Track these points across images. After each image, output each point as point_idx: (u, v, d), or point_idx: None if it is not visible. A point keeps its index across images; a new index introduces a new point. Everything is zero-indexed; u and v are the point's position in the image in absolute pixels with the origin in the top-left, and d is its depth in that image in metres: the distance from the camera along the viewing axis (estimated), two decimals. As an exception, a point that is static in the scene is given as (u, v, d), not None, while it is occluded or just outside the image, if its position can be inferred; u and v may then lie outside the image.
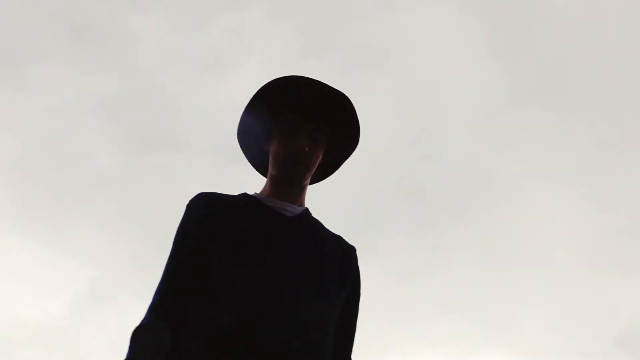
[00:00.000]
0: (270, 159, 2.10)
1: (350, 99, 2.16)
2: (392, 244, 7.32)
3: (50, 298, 6.58)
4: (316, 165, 2.10)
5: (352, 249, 2.14)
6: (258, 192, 2.15)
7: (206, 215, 1.95)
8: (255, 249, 1.81)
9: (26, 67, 7.17)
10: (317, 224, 2.13)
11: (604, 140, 7.43)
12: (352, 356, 2.04)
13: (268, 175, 2.14)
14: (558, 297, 7.02)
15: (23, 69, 7.16)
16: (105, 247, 6.42)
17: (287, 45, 7.56)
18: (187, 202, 2.05)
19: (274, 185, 2.08)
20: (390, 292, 7.00)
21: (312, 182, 2.29)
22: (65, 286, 6.60)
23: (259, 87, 2.13)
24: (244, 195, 2.11)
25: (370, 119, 7.49)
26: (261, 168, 2.29)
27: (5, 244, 6.79)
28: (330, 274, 1.93)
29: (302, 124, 2.07)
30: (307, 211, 2.12)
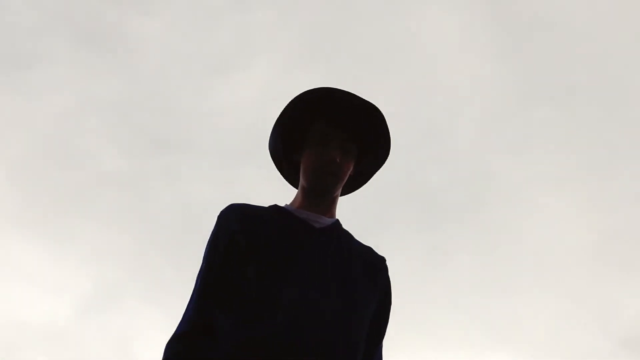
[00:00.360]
0: (301, 170, 2.10)
1: (381, 110, 2.16)
2: (396, 244, 7.31)
3: (55, 299, 6.57)
4: (347, 176, 2.11)
5: (382, 260, 2.15)
6: (289, 203, 2.14)
7: (238, 228, 1.96)
8: (287, 262, 1.82)
9: (32, 69, 7.19)
10: (347, 235, 2.13)
11: (609, 142, 7.43)
12: None
13: (299, 187, 2.14)
14: (562, 298, 7.03)
15: (29, 71, 7.18)
16: (110, 248, 6.43)
17: (293, 47, 7.58)
18: (218, 212, 2.05)
19: (305, 197, 2.09)
20: (394, 292, 7.00)
21: (342, 194, 2.28)
22: (70, 287, 6.58)
23: (291, 99, 2.13)
24: (275, 206, 2.11)
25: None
26: (292, 180, 2.29)
27: (10, 245, 6.79)
28: (360, 285, 1.93)
29: (334, 135, 2.07)
30: (337, 222, 2.12)
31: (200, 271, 1.95)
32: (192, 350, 1.82)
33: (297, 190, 2.20)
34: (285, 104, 2.15)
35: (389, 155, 2.25)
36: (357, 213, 7.28)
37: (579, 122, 7.48)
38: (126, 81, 7.25)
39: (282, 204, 2.13)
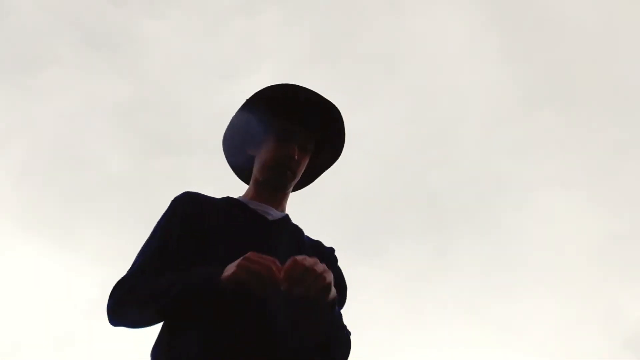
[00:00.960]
0: (257, 164, 2.15)
1: (340, 110, 2.20)
2: (401, 247, 7.32)
3: (61, 301, 6.59)
4: (300, 174, 2.15)
5: (331, 250, 2.17)
6: (241, 195, 2.17)
7: (192, 214, 1.98)
8: (237, 250, 1.77)
9: (38, 72, 7.24)
10: (298, 229, 2.16)
11: (615, 146, 7.42)
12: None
13: (252, 180, 2.18)
14: (567, 301, 7.02)
15: (35, 73, 7.23)
16: (117, 250, 6.44)
17: (299, 51, 7.60)
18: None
19: (258, 190, 2.13)
20: (400, 296, 7.01)
21: (293, 190, 2.28)
22: (76, 289, 6.61)
23: (252, 93, 2.16)
24: (228, 198, 2.14)
25: (382, 123, 7.51)
26: (240, 173, 2.33)
27: (16, 247, 6.85)
28: None
29: (294, 132, 2.11)
30: (287, 217, 2.15)
31: (148, 243, 1.95)
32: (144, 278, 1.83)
33: (245, 184, 2.26)
34: (245, 99, 2.18)
35: (342, 154, 2.29)
36: (363, 215, 7.29)
37: (584, 125, 7.48)
38: (133, 84, 7.30)
39: (235, 196, 2.16)
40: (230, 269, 1.67)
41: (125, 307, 1.82)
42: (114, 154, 7.26)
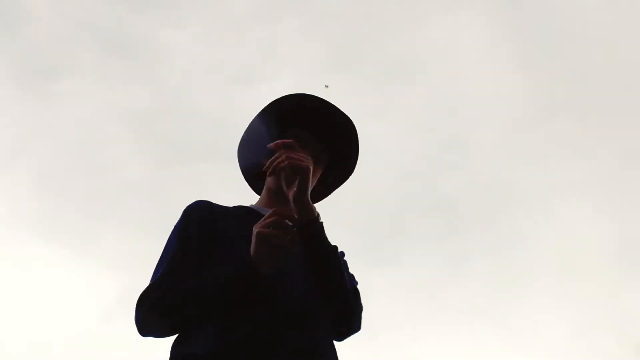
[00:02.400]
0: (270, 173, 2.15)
1: (355, 126, 2.22)
2: (416, 254, 7.33)
3: (80, 306, 6.62)
4: (313, 184, 2.14)
5: (342, 255, 2.17)
6: (253, 204, 2.20)
7: (206, 220, 2.00)
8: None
9: (58, 79, 7.29)
10: None
11: (629, 152, 7.40)
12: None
13: (265, 189, 2.19)
14: (581, 306, 7.00)
15: (55, 80, 7.28)
16: (134, 255, 6.48)
17: (318, 57, 7.62)
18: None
19: (270, 198, 2.14)
20: (414, 302, 7.02)
21: None
22: (95, 294, 6.64)
23: (268, 103, 2.19)
24: (240, 206, 2.17)
25: (398, 130, 7.53)
26: (253, 183, 2.36)
27: (35, 252, 6.91)
28: None
29: (307, 141, 2.12)
30: None
31: (167, 251, 1.97)
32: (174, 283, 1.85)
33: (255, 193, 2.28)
34: (261, 109, 2.21)
35: (355, 171, 2.32)
36: (379, 221, 7.31)
37: (599, 132, 7.47)
38: (151, 91, 7.35)
39: (247, 205, 2.18)
40: (252, 242, 1.75)
41: (156, 315, 1.83)
42: (132, 161, 7.31)
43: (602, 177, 7.31)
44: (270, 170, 1.86)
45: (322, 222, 1.90)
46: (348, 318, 1.96)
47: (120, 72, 7.37)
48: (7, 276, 6.82)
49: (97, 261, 6.84)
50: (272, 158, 1.85)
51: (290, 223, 1.76)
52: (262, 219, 1.76)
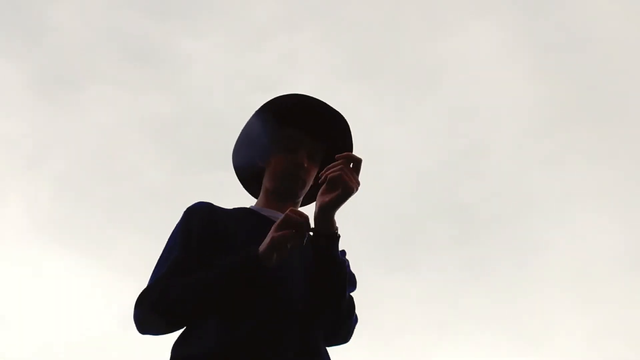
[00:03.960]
0: (267, 174, 2.17)
1: (348, 122, 2.22)
2: (433, 260, 7.34)
3: (98, 313, 6.65)
4: (310, 183, 2.17)
5: (343, 253, 2.17)
6: (252, 205, 2.20)
7: (207, 220, 2.01)
8: None
9: (80, 87, 7.35)
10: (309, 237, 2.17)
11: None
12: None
13: (262, 190, 2.20)
14: (597, 313, 6.98)
15: (76, 88, 7.33)
16: (152, 263, 6.54)
17: (338, 66, 7.65)
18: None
19: (268, 198, 2.15)
20: (430, 307, 7.03)
21: (303, 204, 2.30)
22: (113, 301, 6.64)
23: (263, 103, 2.19)
24: (240, 208, 2.17)
25: (416, 137, 7.57)
26: (248, 185, 2.35)
27: (54, 258, 6.92)
28: None
29: (304, 141, 2.14)
30: None
31: (167, 251, 1.98)
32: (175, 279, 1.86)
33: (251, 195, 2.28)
34: (255, 111, 2.20)
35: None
36: (395, 227, 7.34)
37: (615, 138, 7.46)
38: (172, 99, 7.38)
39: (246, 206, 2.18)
40: (264, 242, 1.77)
41: (158, 313, 1.83)
42: (151, 168, 7.33)
43: (618, 184, 7.30)
44: (324, 176, 1.84)
45: (339, 236, 1.90)
46: (336, 330, 1.98)
47: (141, 80, 7.41)
48: (24, 281, 6.85)
49: (114, 268, 6.85)
50: (331, 165, 1.84)
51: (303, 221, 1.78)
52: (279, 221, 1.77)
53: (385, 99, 7.55)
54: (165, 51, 7.43)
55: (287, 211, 1.77)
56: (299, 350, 1.81)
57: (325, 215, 1.83)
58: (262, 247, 1.77)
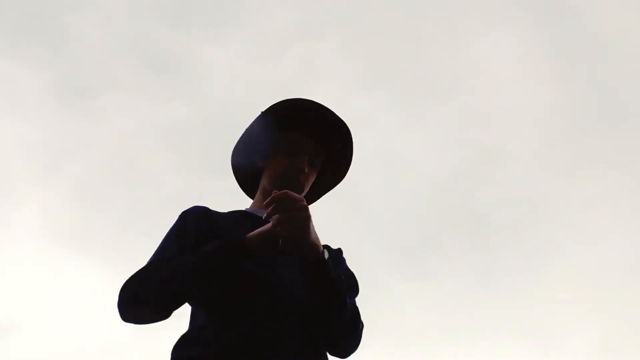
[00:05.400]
0: (266, 175, 2.16)
1: (349, 129, 2.21)
2: (447, 266, 7.35)
3: (114, 320, 6.65)
4: (308, 188, 2.15)
5: (339, 251, 2.18)
6: (247, 207, 2.21)
7: (203, 223, 2.00)
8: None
9: (100, 95, 7.40)
10: None
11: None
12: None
13: (259, 190, 2.20)
14: (613, 319, 6.97)
15: (95, 96, 7.38)
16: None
17: (357, 74, 7.69)
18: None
19: (265, 199, 2.05)
20: (446, 313, 7.04)
21: None
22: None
23: (266, 107, 2.20)
24: (236, 211, 2.17)
25: (432, 143, 7.59)
26: (244, 184, 2.35)
27: (70, 266, 6.99)
28: None
29: (305, 145, 2.13)
30: None
31: (161, 248, 1.96)
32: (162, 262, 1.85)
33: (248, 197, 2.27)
34: (258, 113, 2.21)
35: (348, 174, 2.29)
36: (410, 233, 7.36)
37: (632, 145, 7.45)
38: (191, 106, 7.40)
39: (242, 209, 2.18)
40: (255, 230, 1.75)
41: (143, 296, 1.80)
42: (170, 176, 7.38)
43: (633, 191, 7.30)
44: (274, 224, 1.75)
45: (328, 259, 1.84)
46: (344, 343, 1.95)
47: (160, 88, 7.43)
48: (40, 287, 6.89)
49: (130, 274, 6.83)
50: (269, 212, 1.75)
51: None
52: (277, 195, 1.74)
53: (401, 106, 7.58)
54: (185, 59, 7.50)
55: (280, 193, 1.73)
56: (299, 350, 1.82)
57: (304, 247, 1.77)
58: (252, 233, 1.77)
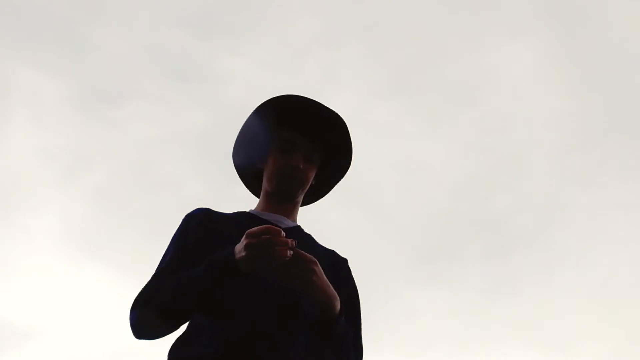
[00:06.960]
0: (265, 176, 2.16)
1: (345, 121, 2.19)
2: (464, 271, 7.37)
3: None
4: (309, 184, 2.14)
5: (345, 261, 2.17)
6: (252, 209, 2.19)
7: (206, 226, 2.01)
8: None
9: (122, 103, 7.47)
10: (310, 238, 2.15)
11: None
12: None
13: (262, 192, 2.19)
14: (628, 326, 6.96)
15: (117, 105, 7.47)
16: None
17: (377, 82, 7.74)
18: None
19: (268, 201, 2.14)
20: (462, 319, 7.06)
21: (304, 204, 2.27)
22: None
23: (257, 105, 2.18)
24: (239, 212, 2.16)
25: (452, 149, 7.63)
26: (252, 187, 2.34)
27: (90, 274, 7.08)
28: None
29: (299, 142, 2.11)
30: (299, 227, 2.14)
31: (165, 254, 1.99)
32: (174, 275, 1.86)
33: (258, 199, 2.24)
34: (250, 113, 2.20)
35: (350, 167, 2.26)
36: (428, 238, 7.38)
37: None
38: (212, 114, 7.45)
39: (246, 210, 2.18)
40: (239, 249, 1.72)
41: (150, 313, 1.83)
42: (190, 183, 7.45)
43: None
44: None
45: (343, 319, 1.85)
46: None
47: (181, 96, 7.48)
48: (60, 293, 6.98)
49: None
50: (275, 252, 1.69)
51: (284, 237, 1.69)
52: (257, 229, 1.70)
53: (420, 114, 7.62)
54: (206, 68, 7.55)
55: (264, 227, 1.70)
56: (297, 350, 1.84)
57: (307, 297, 1.80)
58: (236, 247, 1.74)
